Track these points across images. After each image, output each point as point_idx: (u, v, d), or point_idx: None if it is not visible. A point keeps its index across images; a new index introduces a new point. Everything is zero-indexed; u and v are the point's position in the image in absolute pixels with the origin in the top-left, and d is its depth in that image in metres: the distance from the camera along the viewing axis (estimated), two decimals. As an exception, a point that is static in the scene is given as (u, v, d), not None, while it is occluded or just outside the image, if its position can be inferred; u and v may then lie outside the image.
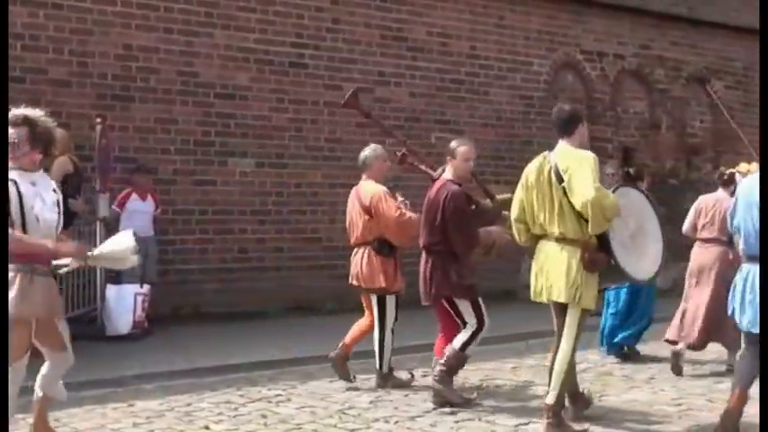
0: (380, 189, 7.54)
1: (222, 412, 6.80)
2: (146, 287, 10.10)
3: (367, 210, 7.51)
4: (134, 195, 10.69)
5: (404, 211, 7.43)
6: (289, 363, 8.69)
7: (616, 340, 8.93)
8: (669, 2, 16.05)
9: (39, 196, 5.06)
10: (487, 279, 9.68)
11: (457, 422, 6.41)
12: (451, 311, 6.91)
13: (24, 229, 4.96)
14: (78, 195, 9.80)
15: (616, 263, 5.99)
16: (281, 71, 12.30)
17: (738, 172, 8.09)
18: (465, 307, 6.86)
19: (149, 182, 10.99)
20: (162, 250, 10.99)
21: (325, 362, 8.77)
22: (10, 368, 4.82)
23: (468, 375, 7.87)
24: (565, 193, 5.89)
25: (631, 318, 8.96)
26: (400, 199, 7.59)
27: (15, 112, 5.09)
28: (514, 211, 6.28)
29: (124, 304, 9.92)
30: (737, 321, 5.69)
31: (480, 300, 6.92)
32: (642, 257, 6.22)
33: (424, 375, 7.68)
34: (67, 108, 10.54)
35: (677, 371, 8.06)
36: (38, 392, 5.36)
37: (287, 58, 12.34)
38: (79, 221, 9.82)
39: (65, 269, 5.41)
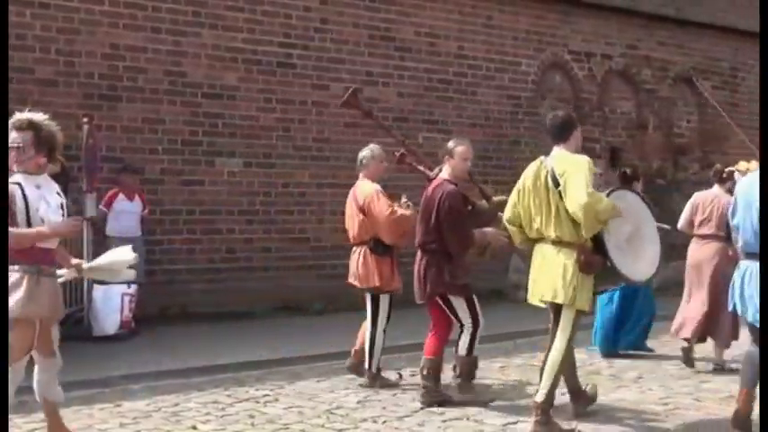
0: (374, 188, 7.57)
1: (209, 412, 6.79)
2: (133, 287, 10.07)
3: (361, 209, 7.58)
4: (121, 195, 10.67)
5: (396, 209, 7.45)
6: (276, 363, 8.68)
7: (620, 345, 9.03)
8: (657, 2, 16.10)
9: (43, 199, 5.15)
10: (476, 279, 9.64)
11: (444, 421, 6.41)
12: (446, 309, 6.92)
13: None
14: (65, 195, 9.74)
15: (612, 265, 6.06)
16: (269, 71, 12.28)
17: (737, 170, 8.15)
18: (460, 304, 6.86)
19: (136, 182, 10.96)
20: (149, 250, 10.95)
21: (312, 362, 8.81)
22: (9, 368, 4.87)
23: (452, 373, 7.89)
24: (561, 197, 5.98)
25: (629, 321, 9.03)
26: (404, 200, 7.60)
27: (20, 116, 5.17)
28: (507, 214, 6.38)
29: (111, 305, 9.89)
30: (741, 316, 5.76)
31: (475, 297, 6.93)
32: (639, 259, 6.29)
33: (413, 375, 7.69)
34: (54, 108, 10.35)
35: (689, 363, 8.24)
36: (40, 399, 5.34)
37: (275, 58, 12.32)
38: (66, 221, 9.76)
39: (61, 279, 5.43)
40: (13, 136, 5.12)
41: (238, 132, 12.02)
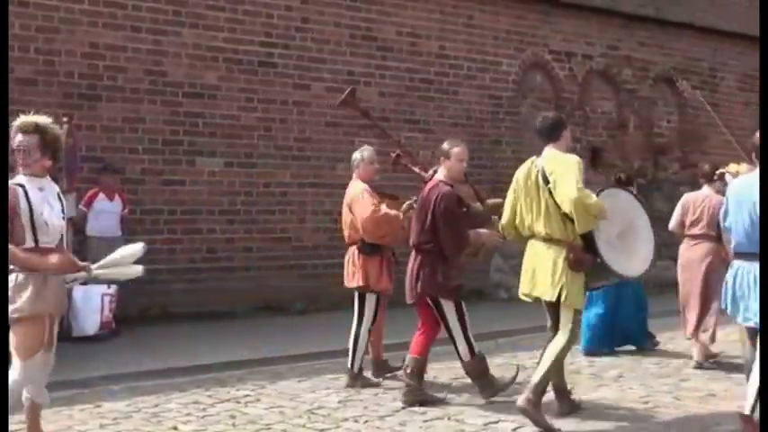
0: (361, 188, 7.65)
1: (190, 413, 6.77)
2: (113, 288, 10.02)
3: (350, 209, 7.69)
4: (101, 195, 10.63)
5: (379, 207, 7.49)
6: (258, 363, 8.66)
7: (615, 343, 9.16)
8: (637, 2, 16.17)
9: (47, 202, 5.25)
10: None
11: (426, 421, 6.42)
12: (435, 311, 6.93)
13: (35, 234, 5.17)
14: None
15: (602, 261, 6.19)
16: (250, 70, 12.25)
17: (728, 172, 8.24)
18: (449, 308, 6.87)
19: (116, 181, 10.92)
20: (130, 250, 10.88)
21: (293, 362, 8.79)
22: (30, 361, 5.09)
23: (438, 374, 7.89)
24: (551, 194, 6.15)
25: (619, 319, 9.14)
26: (409, 201, 7.57)
27: (26, 119, 5.28)
28: (506, 216, 6.54)
29: (91, 305, 9.84)
30: (731, 317, 5.83)
31: (463, 303, 6.95)
32: (632, 256, 6.42)
33: (400, 365, 7.65)
34: (34, 107, 10.10)
35: (703, 360, 8.37)
36: (26, 400, 5.34)
37: (256, 58, 12.30)
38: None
39: (73, 282, 5.59)
40: (19, 138, 5.24)
41: (219, 132, 11.99)
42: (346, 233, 7.83)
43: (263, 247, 12.26)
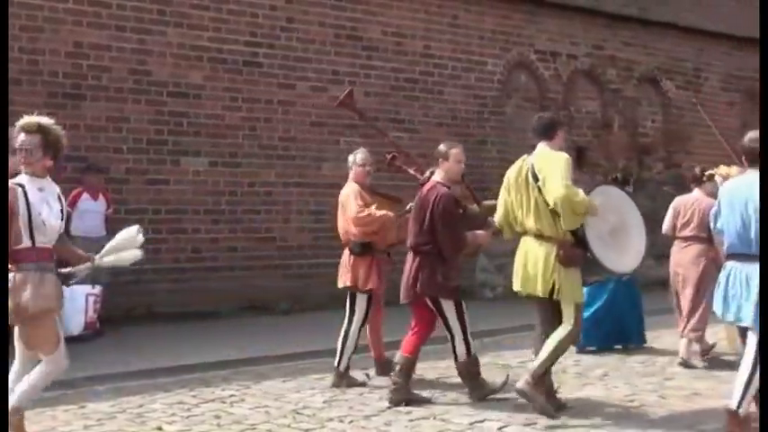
0: (351, 189, 7.73)
1: (175, 413, 6.75)
2: (97, 288, 9.98)
3: (342, 209, 7.80)
4: (85, 195, 10.58)
5: (364, 208, 7.56)
6: (243, 363, 8.65)
7: (610, 341, 9.24)
8: (620, 2, 16.21)
9: (46, 202, 5.34)
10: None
11: (411, 421, 6.42)
12: (435, 310, 6.95)
13: (32, 234, 5.26)
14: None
15: (593, 256, 6.32)
16: (235, 70, 12.23)
17: (719, 174, 8.37)
18: (449, 308, 6.90)
19: (101, 181, 10.87)
20: (114, 250, 10.85)
21: (278, 362, 8.78)
22: (58, 351, 5.32)
23: (424, 373, 7.90)
24: (540, 191, 6.27)
25: (613, 318, 9.21)
26: (408, 206, 7.60)
27: (29, 119, 5.38)
28: (499, 213, 6.68)
29: (75, 305, 9.78)
30: (721, 317, 5.89)
31: (462, 301, 7.00)
32: (624, 251, 6.56)
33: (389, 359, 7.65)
34: (17, 106, 10.24)
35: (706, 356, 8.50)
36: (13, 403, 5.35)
37: (241, 57, 12.28)
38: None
39: (77, 278, 5.75)
40: (21, 138, 5.32)
41: (204, 131, 11.96)
42: (341, 233, 7.90)
43: (248, 247, 12.24)
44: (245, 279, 12.06)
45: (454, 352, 6.98)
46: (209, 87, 12.02)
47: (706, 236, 8.16)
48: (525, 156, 6.58)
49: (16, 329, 5.40)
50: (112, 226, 10.78)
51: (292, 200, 12.68)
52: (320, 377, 7.94)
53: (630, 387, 7.55)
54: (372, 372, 7.92)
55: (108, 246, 5.83)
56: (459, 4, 14.38)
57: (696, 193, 8.79)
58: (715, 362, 8.55)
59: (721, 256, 6.33)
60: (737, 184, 5.91)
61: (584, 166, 13.96)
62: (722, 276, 5.85)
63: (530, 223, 6.39)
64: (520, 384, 6.28)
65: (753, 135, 5.87)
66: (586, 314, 9.11)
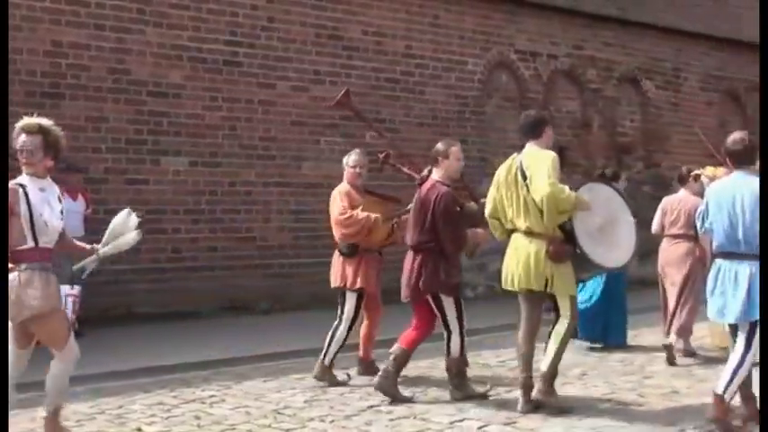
0: (338, 190, 7.87)
1: (155, 414, 6.73)
2: (76, 288, 9.82)
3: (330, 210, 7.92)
4: (64, 195, 10.47)
5: (347, 210, 7.66)
6: (223, 363, 8.63)
7: (597, 345, 9.31)
8: (600, 3, 16.28)
9: (47, 202, 5.45)
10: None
11: (392, 420, 6.42)
12: (436, 309, 6.99)
13: (34, 234, 5.37)
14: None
15: (582, 252, 6.46)
16: (215, 69, 12.20)
17: (705, 175, 8.65)
18: (449, 305, 6.95)
19: (80, 181, 10.80)
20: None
21: (259, 361, 8.76)
22: (69, 345, 5.53)
23: (405, 372, 7.89)
24: (528, 189, 6.40)
25: (595, 314, 9.26)
26: (405, 209, 7.70)
27: (29, 120, 5.48)
28: (488, 209, 6.78)
29: (54, 305, 9.73)
30: (708, 314, 6.11)
31: (461, 300, 7.06)
32: (613, 247, 6.71)
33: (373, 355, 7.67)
34: None
35: (671, 361, 8.52)
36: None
37: (221, 56, 12.24)
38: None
39: (88, 270, 5.86)
40: (22, 139, 5.42)
41: (184, 131, 11.92)
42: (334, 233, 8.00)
43: (228, 247, 12.21)
44: (225, 279, 12.03)
45: (448, 348, 7.01)
46: (189, 87, 11.98)
47: (693, 234, 8.36)
48: (515, 154, 6.70)
49: (10, 326, 5.46)
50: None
51: (272, 199, 12.66)
52: (301, 377, 7.93)
53: (609, 386, 7.58)
54: (354, 371, 7.92)
55: (106, 235, 5.90)
56: (440, 4, 14.40)
57: (682, 192, 9.04)
58: (696, 360, 8.64)
59: (707, 254, 6.77)
60: (724, 185, 6.10)
61: (564, 165, 13.98)
62: (711, 274, 6.03)
63: (519, 221, 6.52)
64: (535, 395, 6.49)
65: (736, 137, 6.08)
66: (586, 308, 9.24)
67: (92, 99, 11.25)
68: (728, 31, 18.19)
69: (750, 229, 5.78)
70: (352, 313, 7.74)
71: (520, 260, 6.51)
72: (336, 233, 7.85)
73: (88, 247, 5.89)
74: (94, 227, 10.86)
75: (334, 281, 7.86)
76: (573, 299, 6.66)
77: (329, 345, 7.68)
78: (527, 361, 6.64)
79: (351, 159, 7.96)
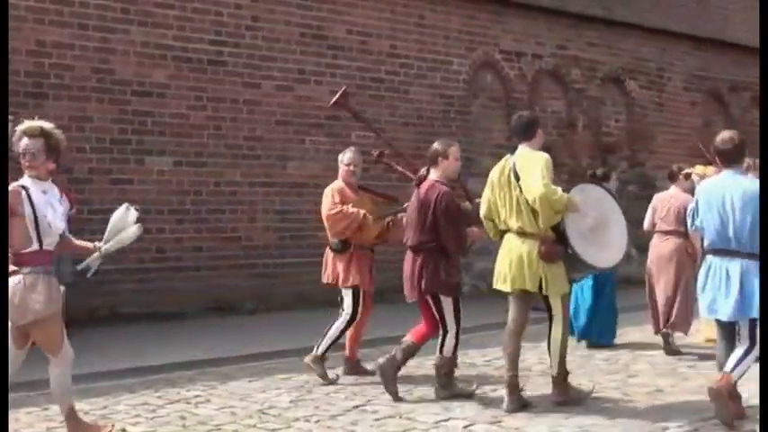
0: (330, 187, 7.96)
1: (140, 414, 6.71)
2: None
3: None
4: (48, 195, 10.46)
5: (336, 206, 7.75)
6: (208, 363, 8.60)
7: (588, 336, 9.42)
8: (585, 3, 16.32)
9: (50, 205, 5.52)
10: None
11: (377, 420, 6.42)
12: (434, 308, 7.02)
13: (39, 236, 5.43)
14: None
15: (574, 252, 6.52)
16: (200, 69, 12.17)
17: (695, 174, 8.84)
18: (447, 305, 6.98)
19: (64, 181, 10.74)
20: (77, 250, 10.76)
21: (244, 362, 8.74)
22: (64, 349, 5.63)
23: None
24: (521, 190, 6.46)
25: (597, 314, 9.38)
26: (400, 208, 7.79)
27: (31, 123, 5.60)
28: (483, 210, 6.83)
29: (38, 306, 9.68)
30: (701, 310, 6.27)
31: (460, 300, 7.10)
32: (605, 248, 6.77)
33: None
34: None
35: (670, 352, 8.81)
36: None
37: (205, 56, 12.21)
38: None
39: (93, 269, 5.88)
40: (24, 142, 5.52)
41: (168, 131, 11.89)
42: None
43: (213, 247, 12.18)
44: (210, 279, 12.00)
45: (442, 346, 7.04)
46: (173, 86, 11.94)
47: (683, 230, 8.57)
48: (508, 155, 6.76)
49: (9, 326, 5.50)
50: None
51: (258, 199, 12.64)
52: (286, 377, 7.92)
53: (594, 384, 7.59)
54: (341, 371, 7.92)
55: (107, 232, 5.94)
56: (425, 3, 14.41)
57: (673, 189, 9.23)
58: (680, 359, 8.68)
59: (698, 251, 7.08)
60: (714, 184, 6.24)
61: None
62: (702, 271, 6.18)
63: (512, 221, 6.59)
64: (553, 399, 6.73)
65: (725, 136, 6.22)
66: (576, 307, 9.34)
67: (75, 99, 11.20)
68: (712, 32, 18.27)
69: (740, 226, 5.91)
70: (351, 310, 7.79)
71: (513, 260, 6.56)
72: (327, 229, 7.91)
73: (90, 246, 5.93)
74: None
75: (325, 277, 7.93)
76: (564, 297, 6.74)
77: (324, 336, 7.77)
78: (513, 360, 6.68)
79: (346, 157, 8.03)
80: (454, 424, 6.25)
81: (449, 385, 7.05)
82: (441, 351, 7.05)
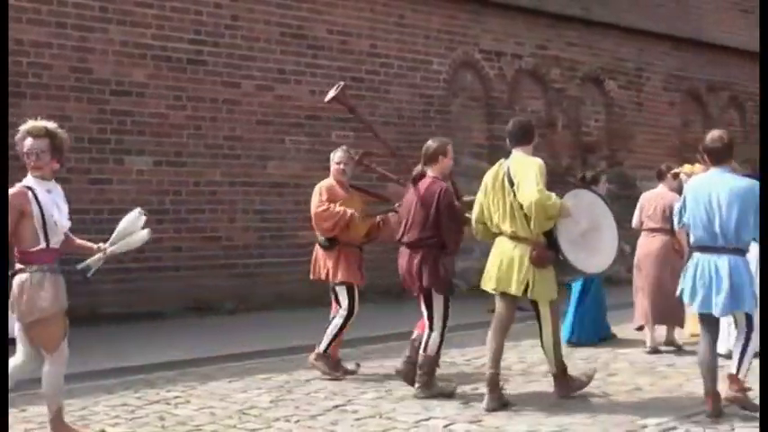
0: (321, 184, 8.01)
1: (119, 415, 6.68)
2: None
3: None
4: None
5: (323, 203, 7.81)
6: (188, 363, 8.57)
7: (580, 335, 9.54)
8: (564, 3, 16.38)
9: (55, 204, 5.61)
10: (389, 276, 9.73)
11: (357, 419, 6.42)
12: (423, 303, 7.09)
13: (46, 235, 5.52)
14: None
15: (564, 258, 6.60)
16: (179, 68, 12.12)
17: (683, 172, 8.90)
18: (438, 303, 7.04)
19: (42, 180, 10.69)
20: (56, 250, 10.70)
21: (224, 362, 8.72)
22: (59, 351, 5.70)
23: (374, 370, 7.92)
24: (515, 195, 6.54)
25: (581, 314, 9.50)
26: (392, 214, 7.86)
27: (35, 123, 5.64)
28: (475, 212, 6.88)
29: (16, 306, 9.62)
30: (688, 303, 6.39)
31: (450, 299, 7.15)
32: (595, 253, 6.86)
33: (354, 368, 7.64)
34: None
35: (653, 351, 8.96)
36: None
37: (185, 55, 12.16)
38: None
39: (93, 269, 5.96)
40: (29, 142, 5.56)
41: (147, 130, 11.83)
42: None
43: (193, 247, 12.13)
44: (189, 279, 11.96)
45: (426, 344, 7.06)
46: (152, 86, 11.89)
47: (669, 228, 8.71)
48: (502, 159, 6.83)
49: (17, 325, 5.61)
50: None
51: (238, 199, 12.60)
52: (267, 377, 7.91)
53: (594, 368, 7.67)
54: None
55: (114, 234, 6.03)
56: (405, 3, 14.41)
57: (660, 188, 9.40)
58: (659, 357, 8.75)
59: (684, 248, 7.25)
60: (701, 181, 6.36)
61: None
62: (690, 266, 6.29)
63: (505, 225, 6.65)
64: (559, 394, 6.88)
65: (715, 135, 6.35)
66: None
67: (54, 98, 11.13)
68: (690, 32, 18.38)
69: (726, 223, 6.06)
70: (348, 306, 7.85)
71: (503, 263, 6.64)
72: (315, 226, 7.97)
73: (94, 246, 6.00)
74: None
75: (314, 274, 8.01)
76: (553, 303, 6.81)
77: (325, 334, 7.84)
78: (495, 357, 6.72)
79: (336, 156, 8.10)
80: (434, 423, 6.25)
81: (429, 385, 7.06)
82: (424, 350, 7.06)
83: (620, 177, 16.79)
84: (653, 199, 9.34)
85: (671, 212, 7.85)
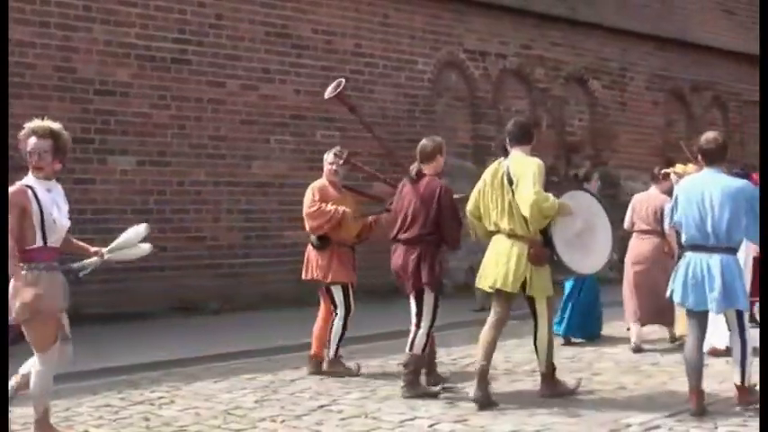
0: (313, 184, 8.07)
1: (102, 416, 6.66)
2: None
3: None
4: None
5: (315, 203, 7.86)
6: (172, 364, 8.55)
7: (575, 337, 9.60)
8: (549, 3, 16.41)
9: (55, 203, 5.62)
10: (375, 276, 9.74)
11: (343, 419, 6.42)
12: (414, 300, 7.10)
13: (44, 234, 5.52)
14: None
15: (559, 259, 6.71)
16: (163, 67, 12.08)
17: (675, 172, 9.13)
18: (429, 300, 7.06)
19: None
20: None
21: (209, 362, 8.69)
22: (50, 351, 5.64)
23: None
24: (514, 194, 6.65)
25: (576, 311, 9.56)
26: (385, 214, 7.86)
27: (39, 123, 5.69)
28: (469, 205, 6.96)
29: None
30: (679, 302, 6.45)
31: (439, 298, 7.18)
32: (589, 253, 6.95)
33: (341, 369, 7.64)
34: None
35: (637, 349, 9.03)
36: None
37: (169, 54, 12.13)
38: None
39: (88, 269, 6.03)
40: (33, 141, 5.60)
41: (131, 130, 11.79)
42: None
43: (178, 247, 12.09)
44: (174, 279, 11.92)
45: (412, 342, 7.08)
46: (136, 85, 11.85)
47: (660, 230, 8.90)
48: (501, 158, 6.88)
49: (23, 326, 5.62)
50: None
51: (222, 199, 12.58)
52: (252, 377, 7.89)
53: (580, 380, 7.67)
54: (353, 365, 8.04)
55: (117, 241, 6.11)
56: (390, 3, 14.41)
57: (652, 189, 9.51)
58: (644, 357, 8.78)
59: (674, 249, 7.49)
60: (694, 181, 6.47)
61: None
62: (681, 265, 6.37)
63: (503, 223, 6.72)
64: (543, 393, 6.93)
65: (709, 136, 6.47)
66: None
67: (37, 97, 11.06)
68: (674, 32, 18.46)
69: (718, 222, 6.14)
70: (344, 305, 7.89)
71: (500, 261, 6.70)
72: (307, 226, 8.00)
73: (92, 249, 6.05)
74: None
75: (307, 275, 8.02)
76: (549, 300, 6.89)
77: (329, 340, 7.88)
78: (487, 351, 6.76)
79: (329, 156, 8.13)
80: (420, 423, 6.26)
81: (416, 384, 7.06)
82: (410, 348, 7.07)
83: (604, 177, 16.80)
84: (644, 201, 9.43)
85: (662, 214, 7.97)
